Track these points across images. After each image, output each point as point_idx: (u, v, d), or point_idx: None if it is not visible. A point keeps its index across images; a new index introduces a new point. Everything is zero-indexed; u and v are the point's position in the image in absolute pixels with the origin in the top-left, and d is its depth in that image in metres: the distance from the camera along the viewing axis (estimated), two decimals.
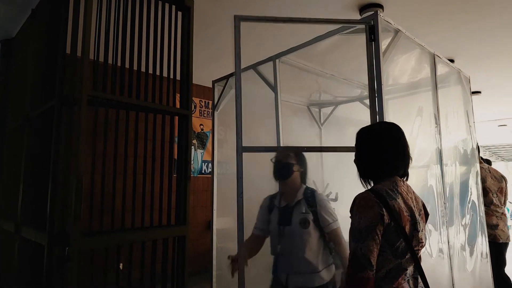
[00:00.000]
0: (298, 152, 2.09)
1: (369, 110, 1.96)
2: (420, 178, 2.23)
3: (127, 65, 2.50)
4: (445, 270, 2.34)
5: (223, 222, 3.26)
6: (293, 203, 2.06)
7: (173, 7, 2.71)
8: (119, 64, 2.44)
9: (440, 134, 2.39)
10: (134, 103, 2.42)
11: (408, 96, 2.41)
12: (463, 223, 2.65)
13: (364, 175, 1.39)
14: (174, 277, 2.54)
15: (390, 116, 2.37)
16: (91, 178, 2.25)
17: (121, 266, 2.46)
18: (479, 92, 5.94)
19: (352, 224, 1.26)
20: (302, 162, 2.13)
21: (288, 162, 2.08)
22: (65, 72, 2.29)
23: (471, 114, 3.10)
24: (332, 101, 3.67)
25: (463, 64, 4.44)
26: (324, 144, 3.64)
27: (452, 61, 4.26)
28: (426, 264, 2.18)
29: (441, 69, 2.66)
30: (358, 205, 1.26)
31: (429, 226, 2.20)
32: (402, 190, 1.33)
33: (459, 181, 2.65)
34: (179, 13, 2.74)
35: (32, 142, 2.71)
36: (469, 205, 2.78)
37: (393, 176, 1.35)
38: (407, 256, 1.28)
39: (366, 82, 1.93)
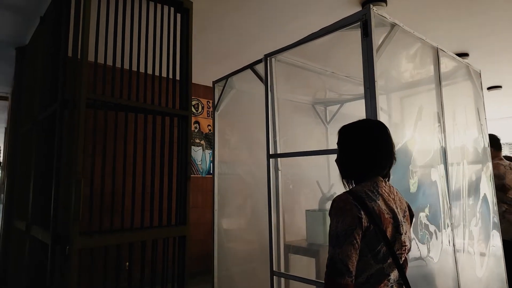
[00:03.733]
0: None
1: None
2: (422, 178, 2.15)
3: (127, 67, 2.54)
4: (451, 274, 2.24)
5: (228, 222, 3.26)
6: None
7: (172, 9, 2.73)
8: (120, 66, 2.48)
9: (444, 132, 2.29)
10: (132, 105, 2.46)
11: (408, 92, 2.32)
12: (472, 224, 2.53)
13: (345, 175, 1.34)
14: (175, 277, 2.56)
15: (393, 113, 2.30)
16: (91, 179, 2.30)
17: (126, 265, 2.50)
18: (500, 86, 5.66)
19: (330, 227, 1.21)
20: None
21: None
22: (66, 76, 2.36)
23: (482, 111, 2.95)
24: (337, 99, 3.60)
25: (479, 58, 4.24)
26: (331, 142, 3.57)
27: (466, 55, 4.08)
28: (427, 268, 2.10)
29: (448, 64, 2.54)
30: (336, 208, 1.20)
31: (431, 228, 2.11)
32: (383, 191, 1.27)
33: (467, 181, 2.53)
34: (178, 15, 2.77)
35: (39, 145, 2.81)
36: (480, 206, 2.65)
37: (375, 177, 1.29)
38: (389, 261, 1.22)
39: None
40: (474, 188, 2.63)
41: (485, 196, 2.75)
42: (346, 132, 1.36)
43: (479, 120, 2.89)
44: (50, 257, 2.23)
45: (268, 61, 2.36)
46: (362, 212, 1.17)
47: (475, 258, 2.50)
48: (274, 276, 2.33)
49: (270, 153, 2.42)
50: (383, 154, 1.30)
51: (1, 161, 7.68)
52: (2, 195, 5.08)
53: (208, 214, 4.75)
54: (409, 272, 1.45)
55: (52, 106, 2.48)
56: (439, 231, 2.19)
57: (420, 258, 2.08)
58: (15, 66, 3.89)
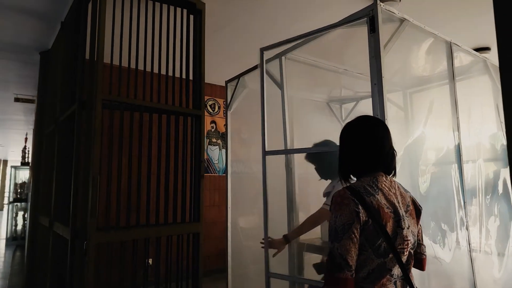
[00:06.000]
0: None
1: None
2: (434, 175, 2.11)
3: (141, 68, 2.62)
4: (466, 274, 2.19)
5: (243, 221, 3.29)
6: (325, 193, 2.34)
7: (185, 10, 2.79)
8: (135, 67, 2.56)
9: (458, 129, 2.24)
10: (147, 105, 2.54)
11: (420, 88, 2.28)
12: (490, 223, 2.45)
13: (344, 171, 1.35)
14: (189, 273, 2.62)
15: (403, 109, 2.26)
16: (107, 177, 2.38)
17: (148, 262, 2.58)
18: None
19: (329, 223, 1.23)
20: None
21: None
22: (84, 78, 2.46)
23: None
24: (353, 96, 3.56)
25: None
26: None
27: (487, 49, 3.94)
28: (441, 267, 2.06)
29: (462, 59, 2.47)
30: (334, 203, 1.22)
31: (443, 226, 2.07)
32: (383, 185, 1.27)
33: (484, 178, 2.45)
34: (191, 17, 2.82)
35: (60, 145, 2.94)
36: (498, 204, 2.57)
37: (374, 172, 1.29)
38: (390, 256, 1.22)
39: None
40: (491, 186, 2.55)
41: (504, 195, 2.65)
42: (343, 130, 1.40)
43: (499, 116, 2.79)
44: (70, 252, 2.34)
45: (263, 58, 2.38)
46: (360, 207, 1.18)
47: (492, 258, 2.42)
48: (271, 278, 2.32)
49: (266, 149, 2.39)
50: (380, 150, 1.30)
51: (30, 161, 8.03)
52: (30, 193, 5.32)
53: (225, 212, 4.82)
54: (421, 271, 1.44)
55: (71, 107, 2.59)
56: (453, 230, 2.14)
57: (434, 257, 2.04)
58: (39, 70, 4.08)
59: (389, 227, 1.21)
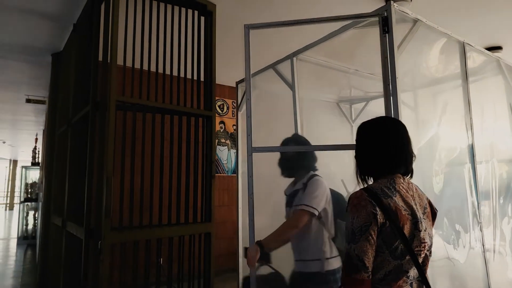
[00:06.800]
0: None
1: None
2: (448, 176, 2.10)
3: (154, 70, 2.64)
4: (480, 275, 2.17)
5: (256, 221, 3.30)
6: (288, 193, 2.14)
7: (196, 12, 2.81)
8: (147, 69, 2.58)
9: (472, 129, 2.22)
10: (159, 107, 2.56)
11: (433, 89, 2.27)
12: (504, 224, 2.43)
13: (362, 172, 1.34)
14: (201, 273, 2.64)
15: (416, 110, 2.26)
16: (121, 177, 2.41)
17: (160, 261, 2.60)
18: None
19: (346, 224, 1.23)
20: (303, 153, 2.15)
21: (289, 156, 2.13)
22: (97, 80, 2.49)
23: None
24: (362, 96, 3.56)
25: None
26: None
27: (499, 48, 3.90)
28: (454, 268, 2.05)
29: (475, 59, 2.46)
30: (351, 205, 1.22)
31: (457, 227, 2.06)
32: (400, 187, 1.26)
33: (498, 179, 2.43)
34: (202, 18, 2.84)
35: (73, 145, 2.98)
36: None
37: (392, 174, 1.28)
38: (407, 257, 1.22)
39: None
40: (505, 187, 2.53)
41: None
42: (361, 129, 1.38)
43: None
44: (84, 251, 2.37)
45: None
46: (378, 209, 1.18)
47: (507, 260, 2.40)
48: None
49: (253, 146, 2.04)
50: (399, 151, 1.30)
51: (40, 161, 8.13)
52: (41, 193, 5.39)
53: (235, 212, 4.83)
54: (434, 272, 1.44)
55: (84, 108, 2.62)
56: (467, 231, 2.13)
57: (447, 258, 2.03)
58: (51, 71, 4.13)
59: (407, 229, 1.21)
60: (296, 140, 2.29)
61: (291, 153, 2.18)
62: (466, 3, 2.99)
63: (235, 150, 5.14)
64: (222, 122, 5.10)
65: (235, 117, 5.21)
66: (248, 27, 2.04)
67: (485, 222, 2.23)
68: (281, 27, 2.15)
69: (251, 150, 1.90)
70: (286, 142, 2.20)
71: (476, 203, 2.17)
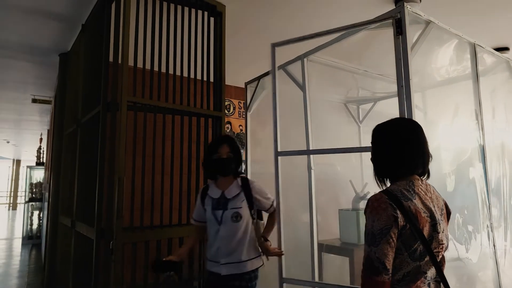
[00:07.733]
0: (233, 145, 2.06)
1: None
2: (459, 177, 2.10)
3: (164, 70, 2.65)
4: (491, 276, 2.18)
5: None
6: (230, 197, 2.00)
7: (206, 13, 2.82)
8: (161, 70, 2.59)
9: (482, 130, 2.23)
10: (170, 107, 2.57)
11: (445, 89, 2.27)
12: None
13: (379, 174, 1.34)
14: None
15: (428, 111, 2.26)
16: (132, 177, 2.42)
17: None
18: None
19: (366, 226, 1.22)
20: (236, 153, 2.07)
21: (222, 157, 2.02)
22: (108, 80, 2.50)
23: None
24: (370, 97, 3.56)
25: None
26: (363, 141, 3.54)
27: (506, 49, 3.91)
28: (466, 269, 2.06)
29: (486, 60, 2.46)
30: (371, 208, 1.22)
31: (469, 228, 2.06)
32: (419, 190, 1.27)
33: (509, 180, 2.43)
34: (212, 19, 2.85)
35: (82, 145, 2.99)
36: None
37: (410, 175, 1.29)
38: (426, 259, 1.22)
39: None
40: None
41: None
42: (378, 131, 1.37)
43: None
44: (95, 251, 2.38)
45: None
46: (398, 212, 1.18)
47: None
48: (284, 284, 2.23)
49: (278, 150, 2.25)
50: (417, 152, 1.30)
51: (45, 161, 8.15)
52: (47, 193, 5.40)
53: None
54: (445, 272, 1.44)
55: (95, 109, 2.63)
56: (478, 232, 2.13)
57: (458, 259, 2.04)
58: (58, 72, 4.14)
59: (426, 232, 1.21)
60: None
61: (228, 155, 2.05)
62: (472, 4, 2.99)
63: (241, 150, 5.15)
64: (228, 122, 5.11)
65: (241, 118, 5.23)
66: (274, 46, 2.18)
67: (496, 223, 2.23)
68: (301, 42, 2.18)
69: (276, 154, 1.92)
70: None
71: (487, 204, 2.17)
